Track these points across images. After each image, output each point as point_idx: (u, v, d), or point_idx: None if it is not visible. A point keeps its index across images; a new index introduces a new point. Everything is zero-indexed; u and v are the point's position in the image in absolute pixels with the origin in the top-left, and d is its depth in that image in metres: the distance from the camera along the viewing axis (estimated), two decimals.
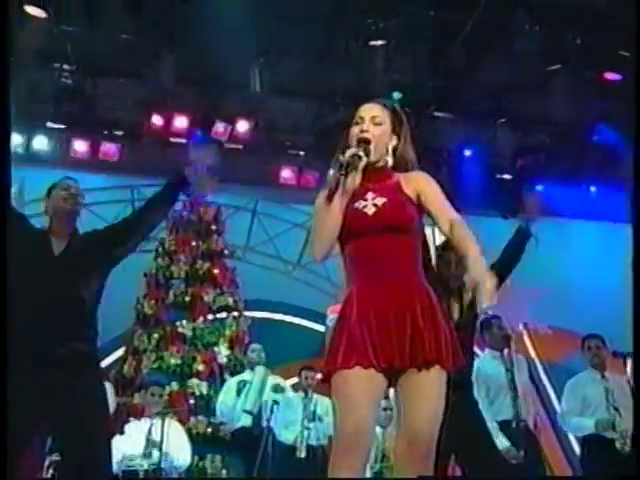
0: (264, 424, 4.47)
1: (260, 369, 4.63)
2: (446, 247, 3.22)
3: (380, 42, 6.11)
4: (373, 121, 2.06)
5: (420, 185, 2.04)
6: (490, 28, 6.11)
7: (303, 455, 4.33)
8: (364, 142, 2.01)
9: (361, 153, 2.00)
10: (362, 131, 2.03)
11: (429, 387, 1.88)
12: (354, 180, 2.00)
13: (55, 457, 3.44)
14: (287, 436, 4.70)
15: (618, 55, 5.54)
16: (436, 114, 7.33)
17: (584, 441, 4.09)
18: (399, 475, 1.92)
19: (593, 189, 7.76)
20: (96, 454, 2.40)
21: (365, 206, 2.01)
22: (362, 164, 2.00)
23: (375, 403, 1.90)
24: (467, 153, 7.59)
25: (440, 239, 3.44)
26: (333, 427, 1.92)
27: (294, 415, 4.76)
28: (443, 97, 7.13)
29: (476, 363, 4.13)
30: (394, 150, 2.08)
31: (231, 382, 4.90)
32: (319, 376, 4.36)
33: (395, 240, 1.96)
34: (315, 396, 4.76)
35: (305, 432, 4.49)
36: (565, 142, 7.38)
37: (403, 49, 6.43)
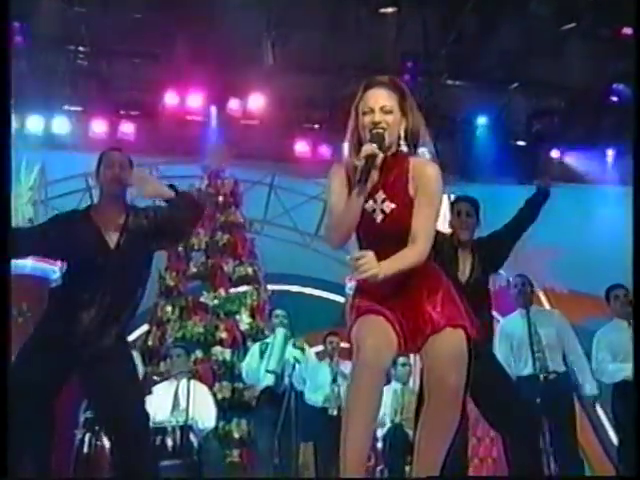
0: (286, 382, 4.60)
1: (281, 330, 4.74)
2: (457, 200, 3.23)
3: (391, 9, 6.09)
4: (383, 110, 2.04)
5: (421, 186, 2.03)
6: None
7: (335, 413, 4.50)
8: (378, 135, 2.00)
9: (376, 151, 1.98)
10: (374, 123, 2.02)
11: (446, 341, 1.98)
12: (373, 178, 2.00)
13: (89, 414, 3.59)
14: (317, 399, 4.89)
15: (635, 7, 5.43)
16: (449, 82, 7.30)
17: (615, 388, 4.14)
18: (429, 420, 2.01)
19: (610, 152, 7.68)
20: (129, 412, 2.48)
21: (374, 210, 2.03)
22: (379, 160, 1.99)
23: (389, 341, 1.99)
24: (481, 120, 7.56)
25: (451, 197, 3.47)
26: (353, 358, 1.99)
27: (322, 379, 4.95)
28: (455, 64, 7.09)
29: (502, 321, 4.22)
30: (405, 131, 2.07)
31: (255, 346, 5.02)
32: (343, 344, 4.51)
33: (402, 243, 2.01)
34: (340, 361, 4.89)
35: (335, 390, 4.68)
36: (581, 105, 7.28)
37: (414, 16, 6.40)
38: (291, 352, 4.65)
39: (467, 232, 3.18)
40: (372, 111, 2.04)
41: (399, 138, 2.07)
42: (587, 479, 4.18)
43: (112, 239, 2.54)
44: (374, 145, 1.98)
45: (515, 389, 3.37)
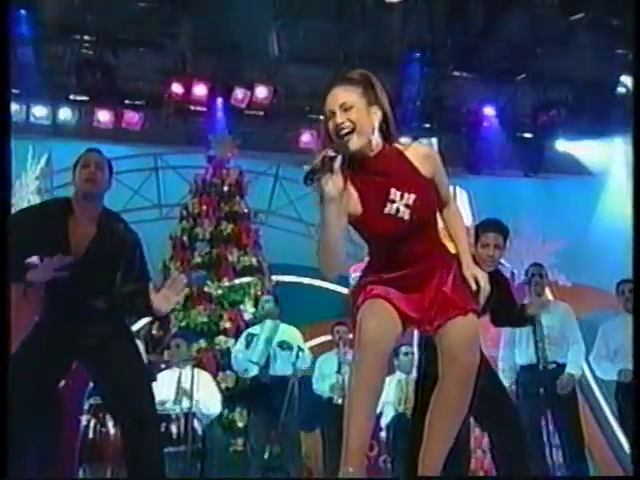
0: (272, 372, 4.69)
1: (268, 322, 4.78)
2: (486, 228, 3.10)
3: None
4: (343, 108, 1.93)
5: (434, 167, 2.02)
6: None
7: (340, 402, 4.53)
8: (346, 135, 1.90)
9: (331, 153, 1.87)
10: (336, 125, 1.92)
11: (467, 323, 1.98)
12: (335, 184, 1.87)
13: (94, 401, 3.61)
14: (323, 388, 4.96)
15: None
16: (455, 73, 7.26)
17: (618, 386, 4.18)
18: (442, 403, 2.01)
19: (617, 144, 7.63)
20: (133, 396, 2.49)
21: (398, 210, 1.95)
22: (338, 163, 1.87)
23: (391, 324, 1.98)
24: (487, 112, 7.52)
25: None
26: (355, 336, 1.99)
27: (328, 368, 5.01)
28: (462, 55, 7.05)
29: None
30: (381, 122, 1.96)
31: (243, 335, 5.07)
32: (351, 335, 4.52)
33: (425, 232, 2.00)
34: (348, 350, 4.91)
35: (341, 380, 4.71)
36: (588, 96, 7.23)
37: (420, 6, 6.37)
38: (276, 349, 4.70)
39: (492, 266, 2.90)
40: (333, 114, 1.93)
41: (373, 132, 1.94)
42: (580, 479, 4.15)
43: (79, 251, 2.48)
44: (331, 150, 1.88)
45: (503, 390, 3.29)
